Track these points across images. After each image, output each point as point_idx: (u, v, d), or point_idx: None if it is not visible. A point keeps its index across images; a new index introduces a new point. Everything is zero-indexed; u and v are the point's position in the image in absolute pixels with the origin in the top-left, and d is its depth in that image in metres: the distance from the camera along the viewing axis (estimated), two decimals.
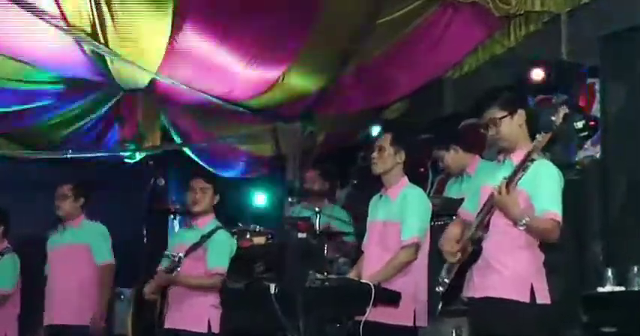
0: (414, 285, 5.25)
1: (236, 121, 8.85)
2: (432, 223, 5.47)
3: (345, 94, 8.54)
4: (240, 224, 6.87)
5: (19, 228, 7.51)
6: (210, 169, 8.71)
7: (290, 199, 7.79)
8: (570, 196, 4.56)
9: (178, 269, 6.01)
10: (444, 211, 5.63)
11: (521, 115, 4.49)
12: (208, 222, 6.27)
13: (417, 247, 5.26)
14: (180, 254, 6.04)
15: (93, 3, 6.65)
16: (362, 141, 9.10)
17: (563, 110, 4.28)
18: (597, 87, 6.97)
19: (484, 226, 4.44)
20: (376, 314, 4.96)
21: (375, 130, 8.73)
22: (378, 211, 5.49)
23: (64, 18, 6.72)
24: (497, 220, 4.42)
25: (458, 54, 8.22)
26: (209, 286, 6.01)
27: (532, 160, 4.30)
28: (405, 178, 5.47)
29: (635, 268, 5.85)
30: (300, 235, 6.57)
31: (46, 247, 7.03)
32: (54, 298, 6.83)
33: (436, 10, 7.73)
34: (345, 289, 4.98)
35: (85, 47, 7.16)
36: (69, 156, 8.47)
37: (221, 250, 6.14)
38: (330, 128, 9.11)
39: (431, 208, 5.45)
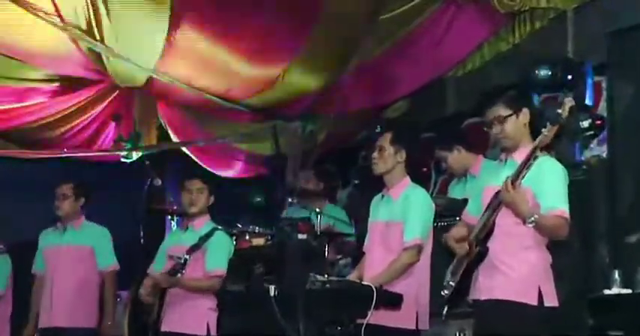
0: (416, 287, 5.19)
1: (235, 119, 8.79)
2: (435, 224, 5.42)
3: (345, 93, 8.47)
4: (238, 225, 6.79)
5: (14, 228, 7.48)
6: (208, 169, 8.69)
7: (290, 200, 7.81)
8: (576, 196, 4.52)
9: (183, 272, 5.95)
10: (448, 212, 5.61)
11: (525, 114, 4.45)
12: (204, 223, 6.25)
13: (419, 248, 5.20)
14: (186, 256, 5.99)
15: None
16: (363, 141, 9.02)
17: (570, 103, 4.22)
18: (604, 85, 6.92)
19: (489, 226, 4.37)
20: (378, 317, 4.89)
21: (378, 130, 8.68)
22: (380, 211, 5.42)
23: (59, 15, 6.68)
24: (503, 220, 4.36)
25: (461, 52, 8.17)
26: (207, 288, 5.96)
27: (535, 158, 4.24)
28: (407, 178, 5.40)
29: None
30: (301, 236, 6.50)
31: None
32: (49, 300, 6.75)
33: (439, 7, 7.69)
34: (346, 291, 4.92)
35: (81, 44, 7.11)
36: (64, 155, 8.41)
37: (220, 252, 6.09)
38: (331, 128, 9.03)
39: (434, 209, 5.38)
